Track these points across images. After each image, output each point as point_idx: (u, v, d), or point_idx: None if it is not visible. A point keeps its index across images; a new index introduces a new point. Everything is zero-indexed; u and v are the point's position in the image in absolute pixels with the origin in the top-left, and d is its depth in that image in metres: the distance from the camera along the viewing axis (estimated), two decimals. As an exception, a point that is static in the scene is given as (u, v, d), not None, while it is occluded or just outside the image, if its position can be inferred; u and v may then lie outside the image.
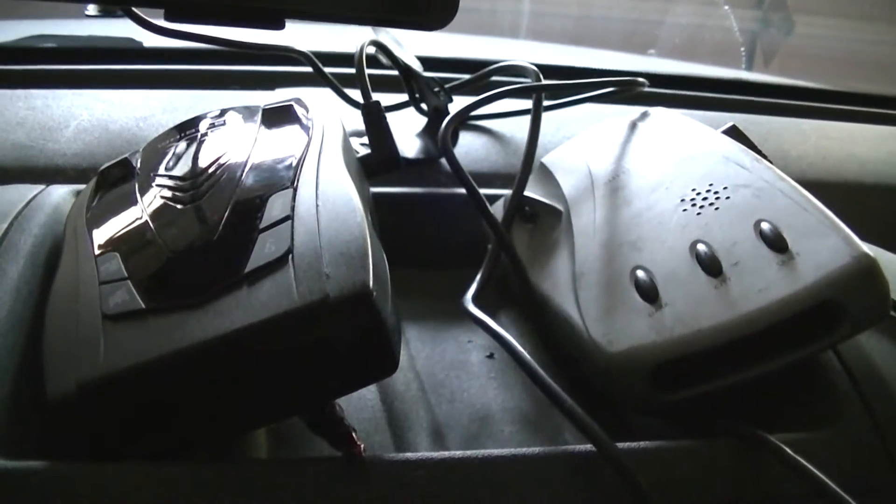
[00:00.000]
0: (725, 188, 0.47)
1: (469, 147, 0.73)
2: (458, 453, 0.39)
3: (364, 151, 0.59)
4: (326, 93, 0.73)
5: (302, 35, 0.73)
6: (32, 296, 0.43)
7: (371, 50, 0.68)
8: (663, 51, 1.78)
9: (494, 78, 0.78)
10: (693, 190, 0.49)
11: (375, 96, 0.62)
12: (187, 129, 0.51)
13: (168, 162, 0.48)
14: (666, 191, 0.50)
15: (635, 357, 0.43)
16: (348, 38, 0.68)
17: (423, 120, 0.74)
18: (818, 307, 0.41)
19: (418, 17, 0.46)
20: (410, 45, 0.75)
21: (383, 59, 0.72)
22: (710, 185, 0.48)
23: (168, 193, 0.45)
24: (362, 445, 0.38)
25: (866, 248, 0.41)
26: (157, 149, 0.50)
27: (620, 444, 0.40)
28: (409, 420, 0.48)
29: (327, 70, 0.73)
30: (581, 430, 0.40)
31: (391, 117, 0.61)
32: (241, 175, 0.44)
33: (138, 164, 0.49)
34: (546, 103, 0.68)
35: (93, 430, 0.36)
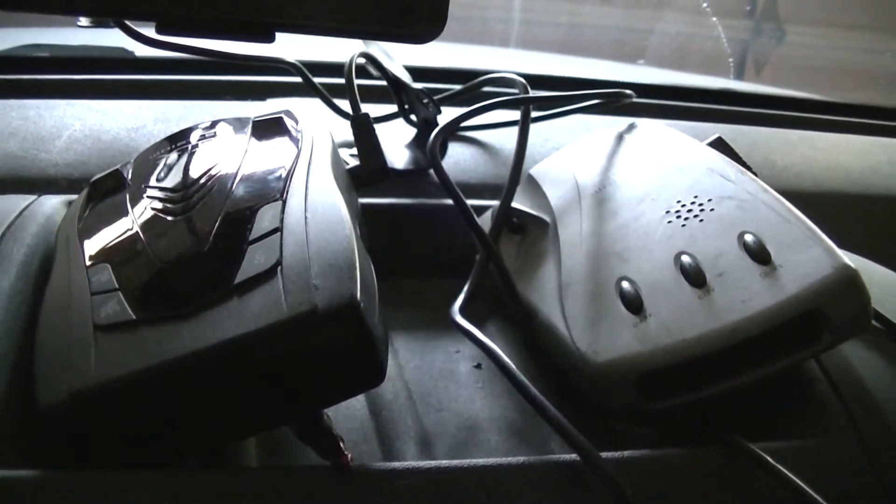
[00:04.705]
0: (710, 200, 0.48)
1: (458, 158, 0.74)
2: (444, 462, 0.40)
3: (353, 163, 0.60)
4: (316, 104, 0.73)
5: (292, 46, 0.73)
6: (24, 306, 0.44)
7: (361, 61, 0.69)
8: (653, 60, 1.79)
9: (483, 89, 0.79)
10: (678, 202, 0.49)
11: (365, 107, 0.62)
12: (178, 141, 0.52)
13: (159, 173, 0.48)
14: (652, 202, 0.51)
15: (620, 367, 0.44)
16: (338, 48, 0.68)
17: (413, 131, 0.75)
18: (801, 317, 0.41)
19: (407, 30, 0.47)
20: (400, 54, 0.75)
21: (373, 71, 0.72)
22: (695, 196, 0.49)
23: (159, 205, 0.45)
24: (350, 455, 0.39)
25: (848, 258, 0.41)
26: (148, 160, 0.51)
27: (605, 454, 0.40)
28: (396, 429, 0.48)
29: (317, 81, 0.73)
30: (566, 440, 0.41)
31: (380, 128, 0.62)
32: (231, 187, 0.45)
33: (129, 175, 0.50)
34: (534, 114, 0.69)
35: (84, 439, 0.37)
